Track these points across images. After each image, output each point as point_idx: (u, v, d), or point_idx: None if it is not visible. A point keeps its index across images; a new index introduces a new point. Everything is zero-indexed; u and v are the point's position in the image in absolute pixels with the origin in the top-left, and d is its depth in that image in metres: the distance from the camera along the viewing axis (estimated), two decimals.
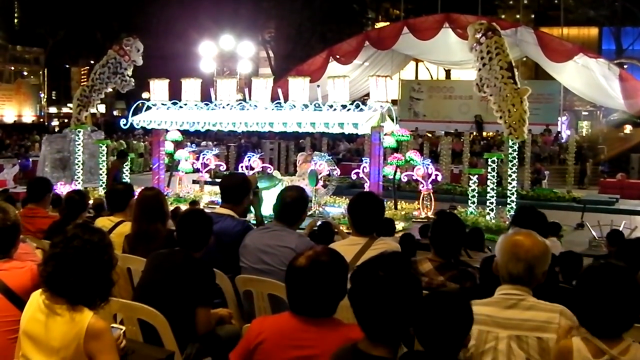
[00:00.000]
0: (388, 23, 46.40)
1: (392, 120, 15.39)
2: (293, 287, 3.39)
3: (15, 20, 64.31)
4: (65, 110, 61.49)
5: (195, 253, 4.87)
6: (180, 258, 4.81)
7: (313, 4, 47.27)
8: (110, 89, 20.01)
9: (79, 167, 19.24)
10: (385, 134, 15.11)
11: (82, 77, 52.30)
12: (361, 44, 29.83)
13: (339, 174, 18.23)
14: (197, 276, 4.68)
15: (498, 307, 3.60)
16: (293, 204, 5.44)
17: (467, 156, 25.94)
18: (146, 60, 19.61)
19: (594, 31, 51.03)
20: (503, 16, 50.91)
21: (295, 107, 14.89)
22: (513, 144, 15.04)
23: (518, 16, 45.22)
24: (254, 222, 6.63)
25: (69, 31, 53.56)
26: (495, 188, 15.28)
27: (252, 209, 6.57)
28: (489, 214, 15.11)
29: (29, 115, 57.93)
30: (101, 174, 19.28)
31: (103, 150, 19.34)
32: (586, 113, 42.75)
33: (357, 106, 14.38)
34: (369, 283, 2.93)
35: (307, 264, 3.34)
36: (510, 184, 15.37)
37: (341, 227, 9.28)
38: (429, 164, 17.38)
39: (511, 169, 15.40)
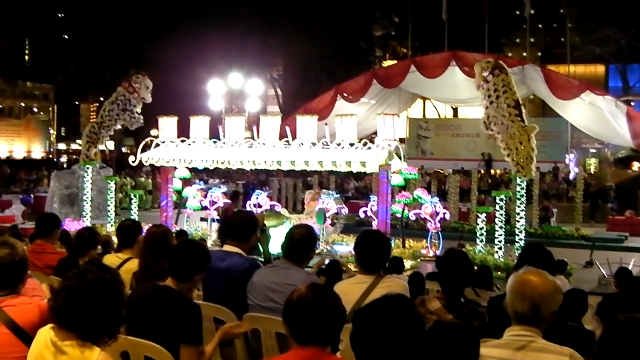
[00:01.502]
0: (395, 61, 46.61)
1: (400, 158, 15.41)
2: (296, 319, 3.40)
3: (26, 57, 64.81)
4: (74, 146, 61.75)
5: (183, 284, 4.78)
6: (163, 294, 4.69)
7: (320, 41, 47.52)
8: (119, 126, 20.11)
9: (87, 203, 19.30)
10: (393, 172, 15.12)
11: (92, 113, 52.67)
12: (369, 82, 29.92)
13: (347, 212, 18.23)
14: (180, 312, 4.52)
15: (509, 349, 3.55)
16: (301, 242, 5.43)
17: (475, 194, 25.90)
18: (155, 98, 19.72)
19: (600, 68, 51.26)
20: (510, 54, 51.18)
21: (303, 145, 14.92)
22: (521, 181, 15.04)
23: (525, 54, 45.56)
24: (262, 260, 6.62)
25: (78, 68, 53.92)
26: (503, 226, 15.26)
27: (259, 246, 6.56)
28: (497, 252, 15.08)
29: (38, 151, 58.18)
30: (109, 211, 19.32)
31: (111, 186, 19.41)
32: (594, 150, 42.74)
33: (365, 144, 14.41)
34: (371, 326, 2.90)
35: (309, 294, 3.38)
36: (519, 221, 15.34)
37: (349, 266, 9.27)
38: (436, 202, 17.40)
39: (519, 206, 15.39)
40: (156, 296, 4.68)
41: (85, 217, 19.20)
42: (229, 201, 18.52)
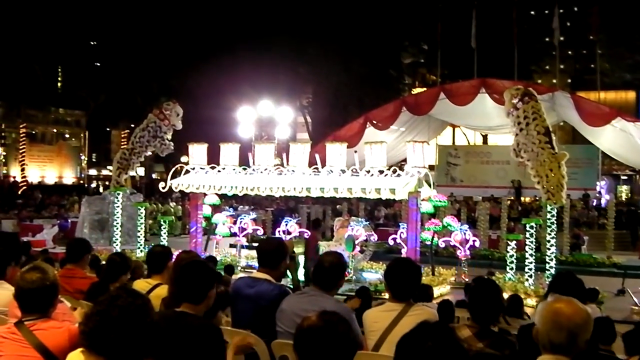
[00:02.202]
0: (424, 88, 46.62)
1: (429, 185, 15.36)
2: (306, 348, 3.36)
3: (58, 84, 65.59)
4: (105, 172, 62.22)
5: (197, 306, 4.79)
6: (183, 320, 4.66)
7: (350, 69, 47.69)
8: (149, 152, 20.23)
9: (117, 228, 19.39)
10: (422, 200, 15.06)
11: (122, 140, 53.02)
12: (398, 110, 29.88)
13: (376, 239, 18.17)
14: (202, 337, 4.53)
15: None
16: (331, 269, 5.42)
17: (505, 221, 25.73)
18: (185, 125, 19.83)
19: (631, 94, 50.91)
20: (539, 81, 50.98)
21: (332, 172, 14.92)
22: (551, 209, 14.93)
23: (554, 81, 45.38)
24: (290, 286, 6.61)
25: (110, 95, 54.49)
26: (533, 254, 15.13)
27: (288, 273, 6.55)
28: (527, 280, 14.94)
29: (69, 177, 58.72)
30: (139, 236, 19.41)
31: (141, 212, 19.51)
32: (625, 177, 42.41)
33: (395, 171, 14.39)
34: (418, 355, 2.88)
35: (320, 322, 3.34)
36: (549, 249, 15.20)
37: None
38: (466, 230, 17.29)
39: (550, 234, 15.25)
40: (177, 322, 4.65)
41: (115, 242, 19.30)
42: (302, 230, 18.13)
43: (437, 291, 14.23)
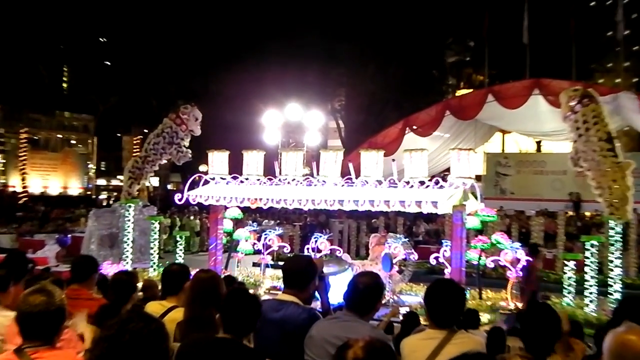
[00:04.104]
0: (470, 90, 46.44)
1: (476, 198, 15.28)
2: None
3: (64, 85, 66.20)
4: (115, 182, 62.75)
5: (244, 338, 4.80)
6: (228, 347, 4.67)
7: (387, 70, 47.56)
8: (164, 161, 20.31)
9: (128, 245, 19.45)
10: (468, 214, 14.99)
11: (135, 146, 53.42)
12: (441, 114, 29.78)
13: (416, 258, 18.11)
14: None
15: None
16: (366, 292, 5.39)
17: (562, 239, 25.54)
18: (204, 130, 19.89)
19: None
20: (601, 80, 50.59)
21: (367, 183, 14.89)
22: (615, 225, 14.80)
23: (618, 80, 44.92)
24: (320, 310, 6.60)
25: (121, 97, 54.87)
26: (595, 276, 15.00)
27: (317, 295, 6.53)
28: (588, 305, 14.81)
29: (75, 187, 59.25)
30: (152, 254, 19.47)
31: (155, 227, 19.58)
32: None
33: (437, 182, 14.33)
34: None
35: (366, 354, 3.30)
36: (613, 270, 15.07)
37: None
38: (517, 248, 17.16)
39: (613, 253, 15.11)
40: (220, 348, 4.67)
41: (125, 260, 19.37)
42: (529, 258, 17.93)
43: (484, 317, 14.14)
